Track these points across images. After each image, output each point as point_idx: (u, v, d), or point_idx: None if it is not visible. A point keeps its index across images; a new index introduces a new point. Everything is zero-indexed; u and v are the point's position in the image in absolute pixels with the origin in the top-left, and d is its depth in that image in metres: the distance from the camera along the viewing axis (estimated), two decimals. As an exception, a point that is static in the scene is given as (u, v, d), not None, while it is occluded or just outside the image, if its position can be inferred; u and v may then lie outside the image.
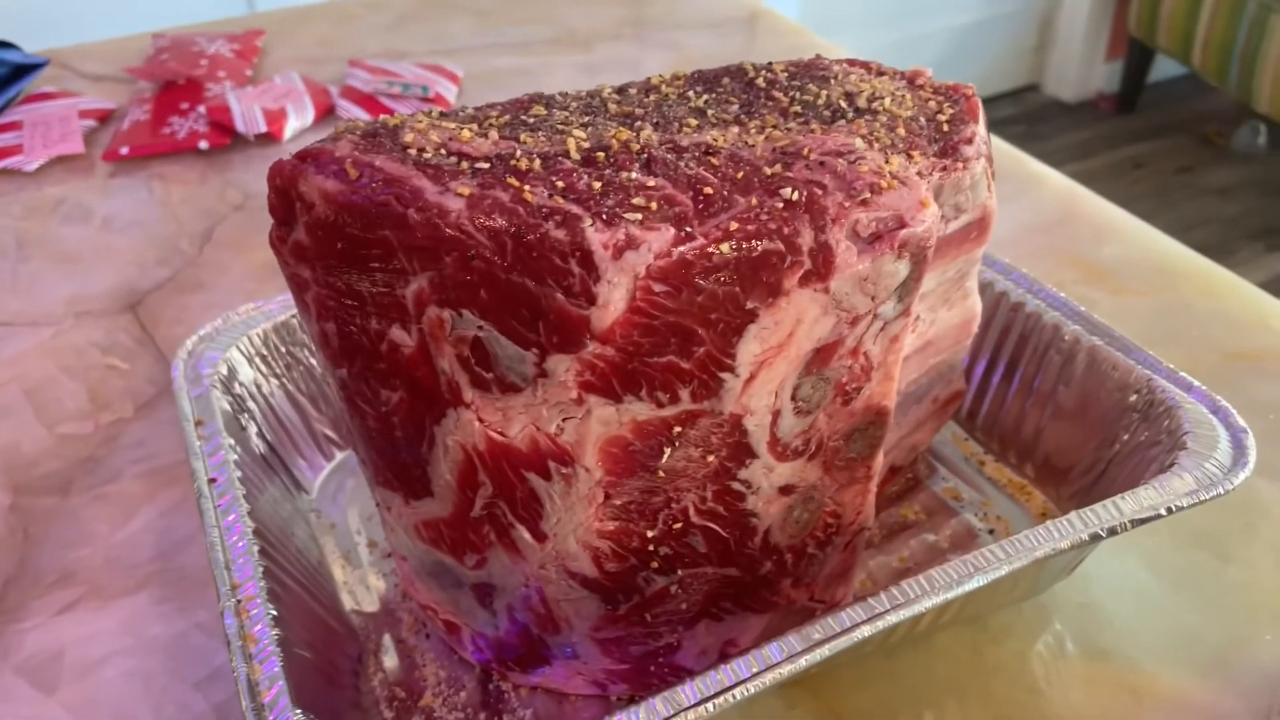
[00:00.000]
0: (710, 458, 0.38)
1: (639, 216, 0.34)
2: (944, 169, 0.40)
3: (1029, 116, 2.95)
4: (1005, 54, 2.99)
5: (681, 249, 0.34)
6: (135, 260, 0.77)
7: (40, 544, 0.56)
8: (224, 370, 0.53)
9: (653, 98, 0.41)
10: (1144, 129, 2.89)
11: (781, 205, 0.35)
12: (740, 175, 0.36)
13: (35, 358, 0.68)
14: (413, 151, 0.36)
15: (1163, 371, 0.50)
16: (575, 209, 0.34)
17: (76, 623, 0.51)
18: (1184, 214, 2.50)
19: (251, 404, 0.54)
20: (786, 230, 0.35)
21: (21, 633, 0.51)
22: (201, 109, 0.91)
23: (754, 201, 0.35)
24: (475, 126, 0.37)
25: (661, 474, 0.38)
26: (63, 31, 1.13)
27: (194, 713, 0.47)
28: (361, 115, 0.93)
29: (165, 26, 1.10)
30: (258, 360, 0.55)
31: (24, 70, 0.95)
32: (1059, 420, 0.54)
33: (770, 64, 0.44)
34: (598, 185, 0.35)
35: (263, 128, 0.89)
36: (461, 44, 1.09)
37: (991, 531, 0.53)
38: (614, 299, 0.34)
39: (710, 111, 0.40)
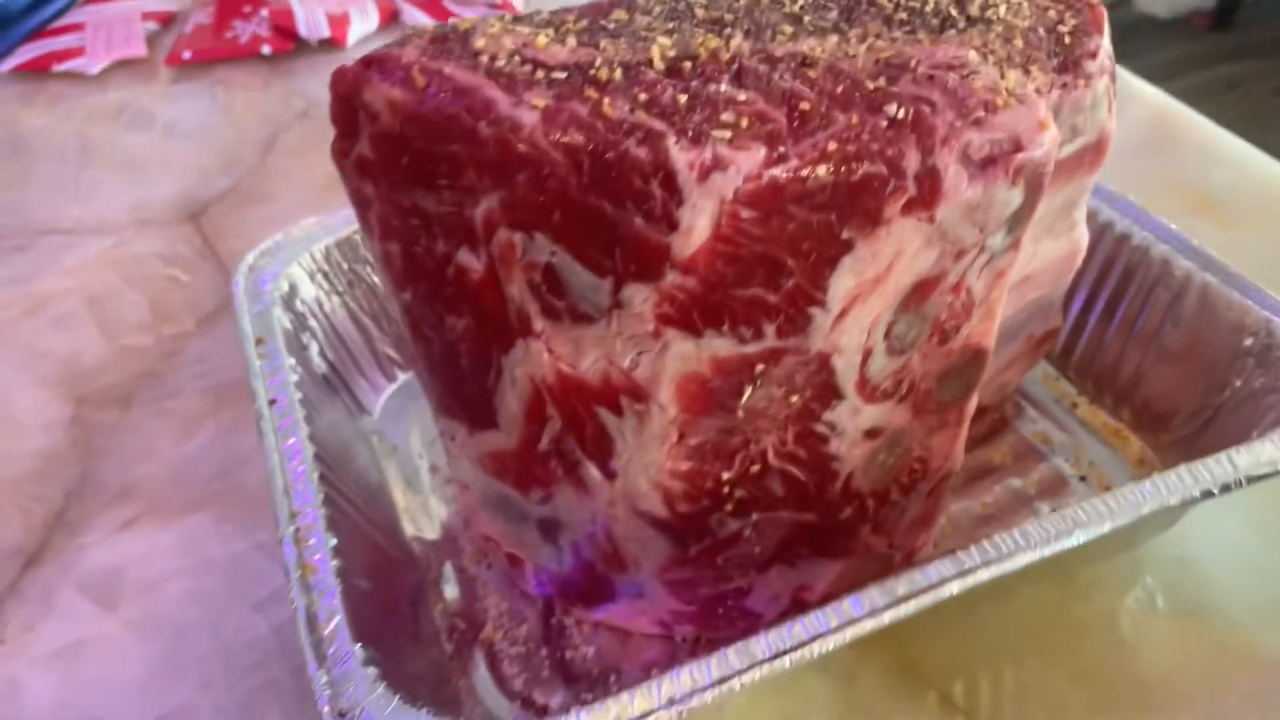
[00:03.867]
0: (794, 398, 0.35)
1: (728, 134, 0.31)
2: (1064, 86, 0.36)
3: (1118, 32, 2.79)
4: (1097, -34, 2.84)
5: (774, 171, 0.31)
6: (197, 168, 0.76)
7: (102, 457, 0.55)
8: (285, 286, 0.51)
9: (743, 2, 0.38)
10: (1241, 48, 2.74)
11: (885, 124, 0.32)
12: (840, 90, 0.33)
13: (97, 267, 0.68)
14: (484, 59, 0.33)
15: (1284, 314, 0.46)
16: (658, 125, 0.31)
17: (136, 540, 0.51)
18: (1280, 140, 2.38)
19: (313, 322, 0.52)
20: (890, 152, 0.32)
21: (83, 549, 0.51)
22: (264, 12, 0.89)
23: (855, 119, 0.32)
24: (552, 32, 0.34)
25: (741, 414, 0.35)
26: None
27: (254, 634, 0.47)
28: (426, 21, 0.90)
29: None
30: (319, 277, 0.53)
31: (86, -30, 0.92)
32: (1163, 363, 0.50)
33: (872, -34, 0.40)
34: (683, 99, 0.32)
35: (326, 33, 0.87)
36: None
37: (1083, 479, 0.50)
38: (698, 225, 0.31)
39: (807, 18, 0.37)
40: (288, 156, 0.77)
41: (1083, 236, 0.46)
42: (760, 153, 0.31)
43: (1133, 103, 0.79)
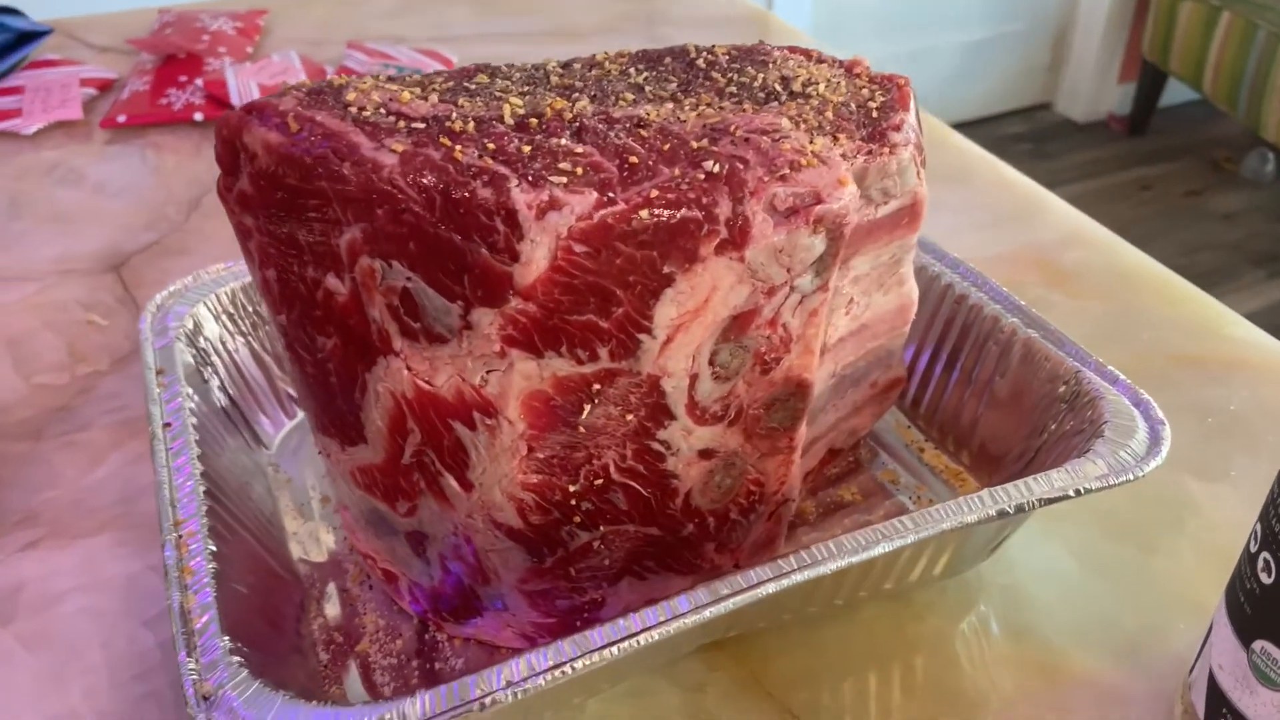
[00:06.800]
0: (629, 416, 0.40)
1: (564, 180, 0.36)
2: (870, 153, 0.42)
3: (1038, 135, 2.97)
4: (1017, 71, 3.00)
5: (602, 213, 0.36)
6: (123, 224, 0.80)
7: (9, 486, 0.58)
8: (190, 324, 0.55)
9: (594, 73, 0.43)
10: (1154, 152, 2.91)
11: (703, 177, 0.37)
12: (667, 147, 0.38)
13: (17, 311, 0.71)
14: (353, 109, 0.37)
15: (1091, 364, 0.51)
16: (503, 170, 0.36)
17: (38, 560, 0.53)
18: (1189, 237, 2.52)
19: (215, 358, 0.56)
20: (705, 200, 0.37)
21: (-17, 567, 0.53)
22: (199, 82, 0.93)
23: (677, 172, 0.37)
24: (418, 90, 0.39)
25: (582, 430, 0.39)
26: (73, 2, 1.16)
27: (142, 647, 0.49)
28: (355, 95, 0.95)
29: (170, 3, 1.12)
30: (224, 317, 0.57)
31: (28, 37, 0.97)
32: (994, 409, 0.56)
33: (713, 46, 0.46)
34: (527, 149, 0.37)
35: (257, 102, 0.91)
36: (460, 32, 1.11)
37: (923, 514, 0.55)
38: (536, 257, 0.36)
39: (648, 88, 0.42)
40: (210, 216, 0.81)
41: (913, 291, 0.51)
42: (592, 196, 0.36)
43: (1004, 188, 0.86)
